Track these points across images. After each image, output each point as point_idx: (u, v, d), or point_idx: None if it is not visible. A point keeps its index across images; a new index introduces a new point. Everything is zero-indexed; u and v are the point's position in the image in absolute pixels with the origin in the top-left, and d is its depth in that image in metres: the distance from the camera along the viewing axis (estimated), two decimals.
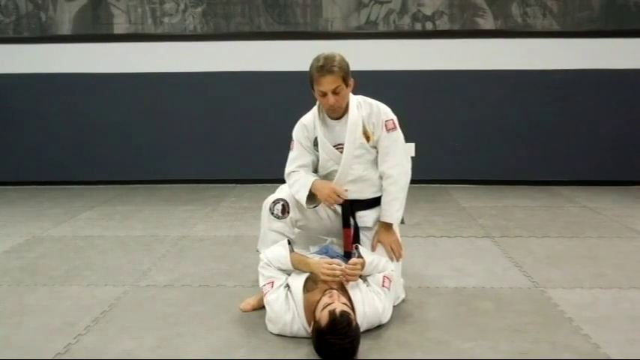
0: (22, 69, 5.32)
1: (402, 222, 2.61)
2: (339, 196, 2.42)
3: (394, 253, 2.52)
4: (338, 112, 2.47)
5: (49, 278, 2.95)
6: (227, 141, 5.39)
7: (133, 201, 4.83)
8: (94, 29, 5.29)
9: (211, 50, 5.27)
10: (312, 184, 2.46)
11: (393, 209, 2.52)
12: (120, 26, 5.28)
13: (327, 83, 2.36)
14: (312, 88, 2.45)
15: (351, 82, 2.46)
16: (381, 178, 2.56)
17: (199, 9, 5.25)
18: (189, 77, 5.29)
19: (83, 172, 5.46)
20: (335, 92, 2.38)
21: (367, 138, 2.50)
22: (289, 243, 2.44)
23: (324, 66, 2.35)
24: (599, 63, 5.13)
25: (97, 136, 5.41)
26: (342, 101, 2.43)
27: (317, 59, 2.40)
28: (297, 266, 2.35)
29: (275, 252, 2.40)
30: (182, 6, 5.25)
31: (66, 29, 5.29)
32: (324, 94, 2.39)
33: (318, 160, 2.57)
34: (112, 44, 5.28)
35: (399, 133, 2.53)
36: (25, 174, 5.47)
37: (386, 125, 2.49)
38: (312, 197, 2.49)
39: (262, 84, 5.28)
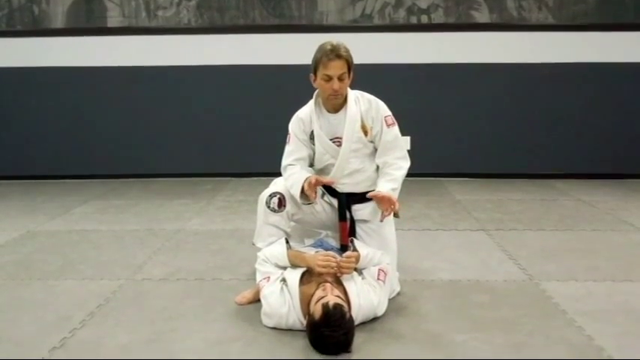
0: (14, 62, 5.28)
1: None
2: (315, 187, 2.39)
3: (390, 206, 2.40)
4: (338, 100, 2.47)
5: (43, 273, 2.94)
6: (222, 134, 5.38)
7: (127, 195, 4.82)
8: (87, 22, 5.25)
9: (206, 43, 5.24)
10: (306, 180, 2.44)
11: (388, 185, 2.44)
12: (113, 19, 5.25)
13: (335, 68, 2.38)
14: (315, 73, 2.44)
15: (352, 75, 2.47)
16: (376, 171, 2.57)
17: (193, 2, 5.22)
18: (184, 70, 5.26)
19: (77, 166, 5.44)
20: (340, 78, 2.39)
21: (365, 132, 2.51)
22: (287, 241, 2.45)
23: (334, 50, 2.38)
24: (593, 56, 5.14)
25: (91, 130, 5.39)
26: (344, 89, 2.45)
27: (325, 44, 2.41)
28: (294, 262, 2.36)
29: (272, 250, 2.42)
30: None
31: (59, 22, 5.26)
32: (330, 79, 2.39)
33: (314, 154, 2.57)
34: (105, 37, 5.25)
35: (397, 129, 2.55)
36: (18, 168, 5.45)
37: (386, 121, 2.51)
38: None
39: (257, 77, 5.26)
